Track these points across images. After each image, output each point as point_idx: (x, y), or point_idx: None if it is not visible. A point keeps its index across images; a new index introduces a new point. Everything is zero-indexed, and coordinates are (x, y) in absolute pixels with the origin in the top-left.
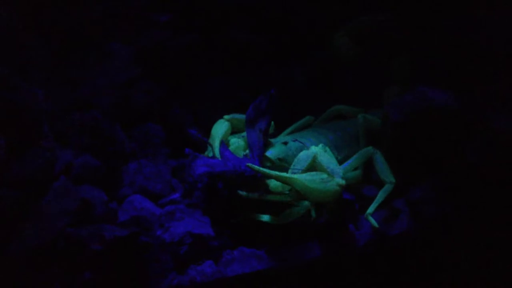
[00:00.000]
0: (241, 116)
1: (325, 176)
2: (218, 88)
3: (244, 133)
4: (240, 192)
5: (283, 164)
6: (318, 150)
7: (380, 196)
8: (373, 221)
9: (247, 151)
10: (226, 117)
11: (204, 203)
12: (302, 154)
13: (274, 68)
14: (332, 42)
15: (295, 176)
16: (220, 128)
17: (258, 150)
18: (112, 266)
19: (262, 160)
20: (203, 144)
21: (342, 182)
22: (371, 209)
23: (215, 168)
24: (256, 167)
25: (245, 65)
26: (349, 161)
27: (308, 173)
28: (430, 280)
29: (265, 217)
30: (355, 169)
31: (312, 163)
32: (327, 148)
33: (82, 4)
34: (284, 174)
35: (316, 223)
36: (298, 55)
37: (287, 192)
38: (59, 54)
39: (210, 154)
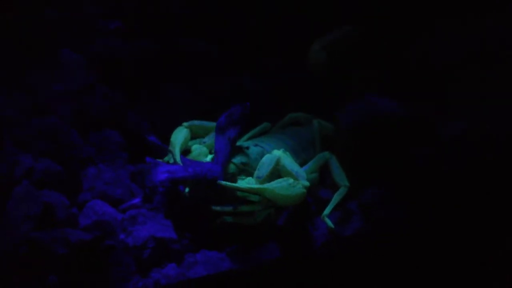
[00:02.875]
0: (201, 123)
1: (291, 181)
2: (174, 95)
3: (205, 139)
4: (214, 207)
5: (246, 168)
6: (281, 154)
7: (335, 199)
8: (329, 222)
9: (209, 156)
10: (185, 124)
11: (166, 207)
12: (266, 158)
13: (229, 76)
14: (309, 57)
15: (265, 186)
16: (180, 135)
17: (223, 156)
18: (77, 269)
19: (226, 166)
20: (163, 151)
21: (307, 183)
22: (327, 211)
23: (177, 174)
24: (227, 183)
25: (200, 73)
26: (308, 165)
27: (276, 180)
28: (381, 277)
29: (229, 218)
30: (312, 172)
31: (275, 166)
32: (287, 153)
33: (33, 11)
34: (254, 186)
35: (275, 225)
36: (252, 64)
37: (257, 200)
38: (14, 60)
39: (171, 161)
